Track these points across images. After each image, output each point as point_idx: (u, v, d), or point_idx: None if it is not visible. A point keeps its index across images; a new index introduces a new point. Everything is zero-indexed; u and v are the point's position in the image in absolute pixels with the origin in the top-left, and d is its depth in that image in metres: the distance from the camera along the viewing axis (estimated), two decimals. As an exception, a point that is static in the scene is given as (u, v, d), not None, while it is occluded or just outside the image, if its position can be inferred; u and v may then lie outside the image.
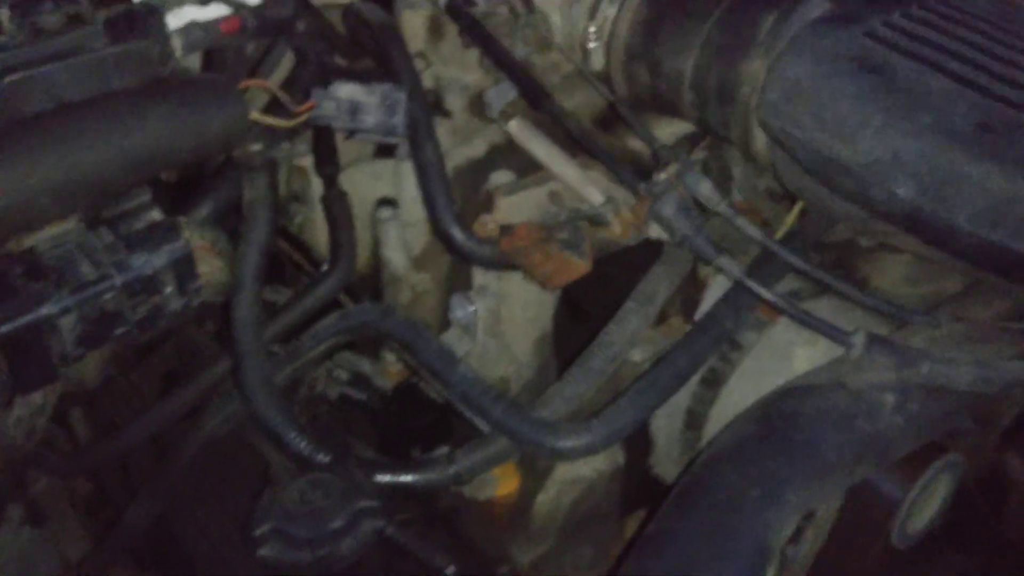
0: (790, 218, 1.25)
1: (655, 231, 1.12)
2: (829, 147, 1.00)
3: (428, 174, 1.19)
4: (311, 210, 1.46)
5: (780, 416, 1.02)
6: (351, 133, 1.14)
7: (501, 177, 1.34)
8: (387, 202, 1.41)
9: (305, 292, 1.31)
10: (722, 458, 1.00)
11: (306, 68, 1.26)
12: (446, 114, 1.46)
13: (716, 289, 1.27)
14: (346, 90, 1.09)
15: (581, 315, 1.57)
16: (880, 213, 1.00)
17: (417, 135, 1.19)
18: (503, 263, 1.19)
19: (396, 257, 1.37)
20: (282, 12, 1.17)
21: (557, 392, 1.11)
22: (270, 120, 1.06)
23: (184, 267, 1.11)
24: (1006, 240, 0.91)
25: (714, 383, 1.27)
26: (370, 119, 1.10)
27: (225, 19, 1.08)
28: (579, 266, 1.14)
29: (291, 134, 1.11)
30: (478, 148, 1.42)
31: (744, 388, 1.25)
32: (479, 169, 1.41)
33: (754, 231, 1.10)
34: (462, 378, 1.10)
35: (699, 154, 1.23)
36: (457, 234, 1.18)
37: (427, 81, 1.49)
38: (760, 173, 1.28)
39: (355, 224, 1.38)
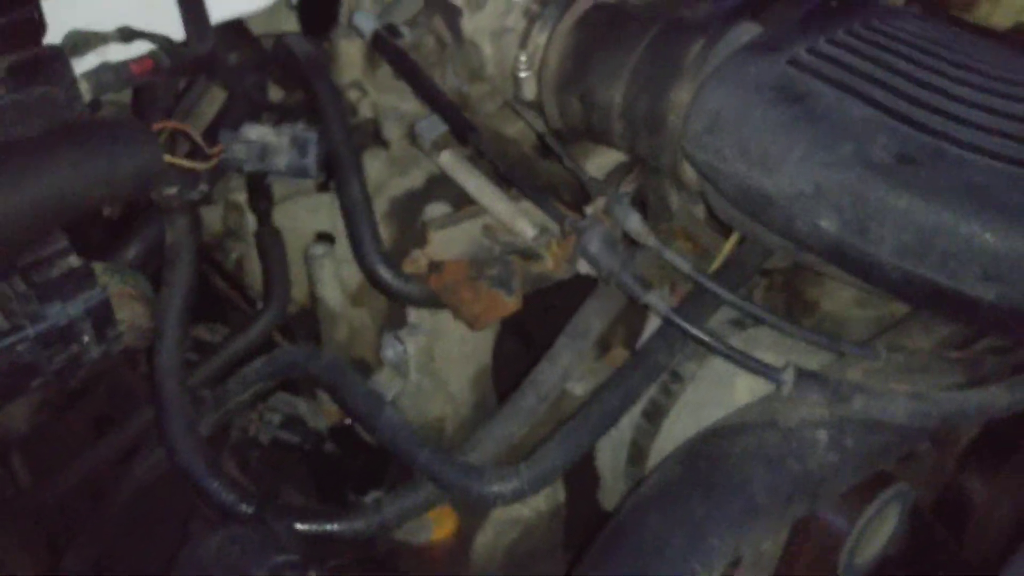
0: (727, 247, 1.22)
1: (584, 267, 1.09)
2: (752, 179, 0.98)
3: (353, 211, 1.16)
4: (247, 246, 1.43)
5: (707, 458, 1.00)
6: (264, 175, 1.11)
7: (436, 209, 1.31)
8: (324, 236, 1.39)
9: (236, 333, 1.28)
10: (647, 502, 0.97)
11: (235, 106, 1.23)
12: (384, 144, 1.43)
13: (655, 320, 1.24)
14: (256, 132, 1.06)
15: (532, 345, 1.55)
16: (806, 246, 0.98)
17: (342, 172, 1.16)
18: (432, 302, 1.16)
19: (331, 294, 1.34)
20: (202, 49, 1.14)
21: (487, 434, 1.08)
22: (183, 163, 1.03)
23: (102, 315, 1.08)
24: (931, 274, 0.88)
25: (656, 416, 1.24)
26: (281, 161, 1.07)
27: (137, 60, 1.05)
28: (508, 304, 1.11)
29: (211, 176, 1.08)
30: (416, 179, 1.40)
31: (686, 420, 1.22)
32: (417, 200, 1.39)
33: (684, 265, 1.07)
34: (387, 423, 1.07)
35: (629, 186, 1.20)
36: (383, 272, 1.15)
37: (365, 110, 1.47)
38: (698, 200, 1.25)
39: (289, 261, 1.35)
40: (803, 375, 1.00)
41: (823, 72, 0.98)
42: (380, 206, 1.37)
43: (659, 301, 1.03)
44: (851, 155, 0.91)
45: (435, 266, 1.16)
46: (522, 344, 1.45)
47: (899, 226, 0.88)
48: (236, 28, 1.43)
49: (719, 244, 1.27)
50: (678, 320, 1.02)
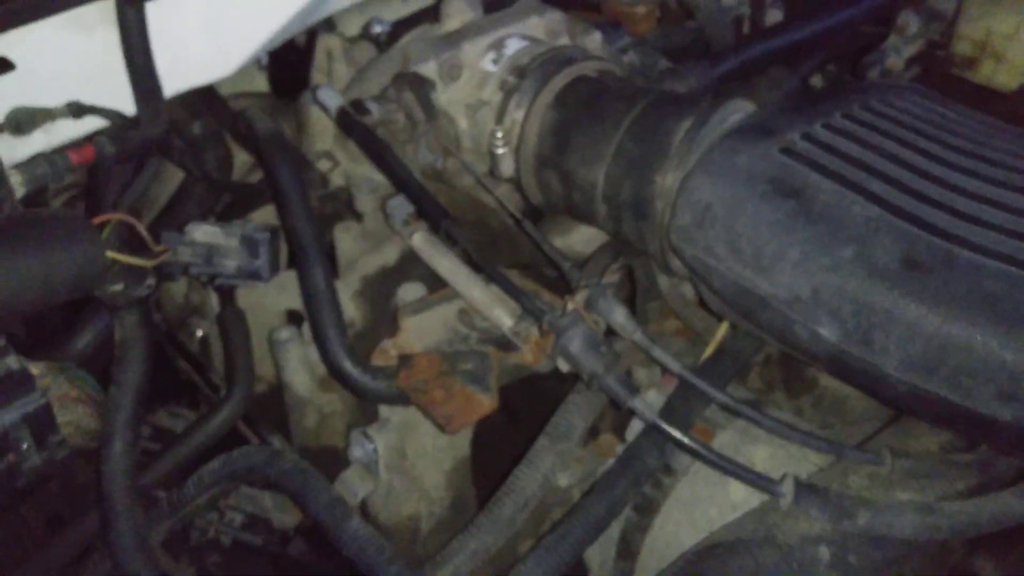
0: (718, 334, 1.15)
1: (564, 365, 1.01)
2: (745, 279, 0.90)
3: (315, 302, 1.08)
4: (212, 324, 1.35)
5: (700, 583, 0.91)
6: (211, 279, 1.03)
7: (410, 291, 1.23)
8: (293, 315, 1.31)
9: (195, 426, 1.20)
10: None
11: (190, 192, 1.15)
12: (357, 216, 1.36)
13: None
14: (202, 232, 0.98)
15: (519, 421, 1.46)
16: (803, 352, 0.90)
17: (303, 259, 1.08)
18: (403, 399, 1.07)
19: (298, 380, 1.25)
20: (154, 131, 1.06)
21: (461, 546, 1.00)
22: (127, 259, 0.95)
23: (42, 420, 0.99)
24: (941, 390, 0.80)
25: (647, 511, 1.16)
26: (230, 263, 1.00)
27: (77, 148, 0.97)
28: (483, 404, 1.03)
29: (158, 271, 1.00)
30: (389, 255, 1.32)
31: (678, 517, 1.14)
32: (390, 278, 1.31)
33: (672, 364, 0.99)
34: (352, 535, 0.99)
35: (614, 275, 1.12)
36: (349, 369, 1.07)
37: (337, 179, 1.39)
38: (687, 282, 1.18)
39: (255, 341, 1.27)
40: (803, 488, 0.92)
41: (820, 162, 0.91)
42: (351, 284, 1.30)
43: (646, 407, 0.95)
44: (852, 259, 0.83)
45: (405, 360, 1.08)
46: (507, 420, 1.37)
47: (906, 338, 0.81)
48: (203, 93, 1.35)
49: (711, 326, 1.19)
50: (665, 428, 0.94)
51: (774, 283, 0.87)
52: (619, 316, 1.01)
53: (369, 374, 1.07)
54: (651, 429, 1.03)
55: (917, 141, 0.93)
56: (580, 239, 1.34)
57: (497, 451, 1.30)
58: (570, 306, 1.01)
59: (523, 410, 1.38)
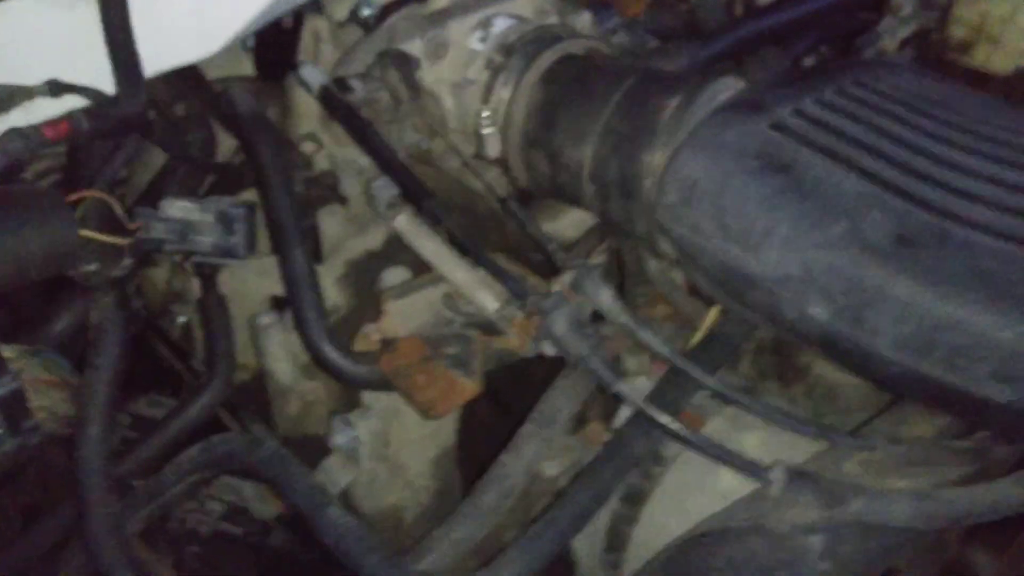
0: (708, 319, 1.12)
1: (550, 349, 0.98)
2: (733, 258, 0.87)
3: (296, 286, 1.05)
4: (194, 311, 1.32)
5: (687, 570, 0.89)
6: (186, 256, 1.01)
7: (395, 275, 1.21)
8: (277, 301, 1.28)
9: (173, 413, 1.17)
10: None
11: (172, 174, 1.13)
12: (341, 200, 1.33)
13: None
14: (177, 208, 0.95)
15: (507, 410, 1.44)
16: (793, 332, 0.87)
17: (283, 242, 1.06)
18: (386, 384, 1.05)
19: (281, 367, 1.23)
20: (132, 108, 1.04)
21: (444, 535, 0.97)
22: (99, 237, 0.92)
23: (14, 405, 0.97)
24: (935, 371, 0.78)
25: (635, 500, 1.13)
26: (206, 240, 0.97)
27: (51, 123, 0.94)
28: (466, 388, 1.01)
29: (135, 251, 0.97)
30: (375, 239, 1.29)
31: (667, 507, 1.12)
32: (375, 263, 1.28)
33: (660, 347, 0.97)
34: (332, 524, 0.96)
35: (600, 256, 1.09)
36: (331, 354, 1.04)
37: (322, 163, 1.36)
38: (676, 265, 1.15)
39: (237, 327, 1.24)
40: (794, 474, 0.89)
41: (811, 138, 0.88)
42: (335, 269, 1.27)
43: (631, 391, 0.93)
44: (843, 235, 0.81)
45: (387, 344, 1.05)
46: (494, 407, 1.34)
47: (899, 317, 0.78)
48: (186, 74, 1.32)
49: (701, 312, 1.17)
50: (653, 413, 0.92)
51: (763, 261, 0.85)
52: (606, 298, 0.99)
53: (351, 359, 1.05)
54: (638, 416, 1.01)
55: (910, 117, 0.91)
56: (569, 223, 1.32)
57: (483, 439, 1.27)
58: (555, 287, 0.98)
59: (510, 397, 1.35)
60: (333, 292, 1.26)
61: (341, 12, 1.40)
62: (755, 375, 1.33)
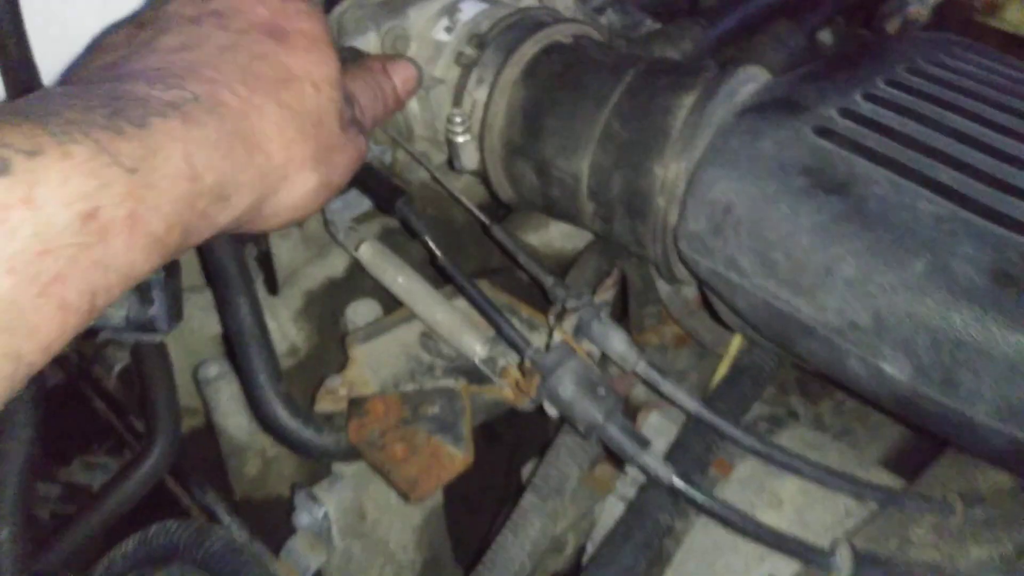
0: (732, 349, 0.96)
1: (553, 409, 0.81)
2: (781, 300, 0.70)
3: (242, 340, 0.87)
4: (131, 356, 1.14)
5: None
6: (94, 333, 0.82)
7: (361, 311, 1.03)
8: (226, 342, 1.10)
9: (107, 490, 0.99)
10: None
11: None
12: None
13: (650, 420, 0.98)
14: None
15: (497, 439, 1.28)
16: (859, 389, 0.71)
17: (222, 288, 0.87)
18: (355, 456, 0.87)
19: (234, 423, 1.05)
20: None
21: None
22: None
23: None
24: (1049, 443, 0.61)
25: (656, 561, 0.97)
26: (117, 313, 0.78)
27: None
28: (454, 460, 0.83)
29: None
30: (336, 265, 1.12)
31: (694, 569, 0.96)
32: (339, 292, 1.11)
33: (687, 401, 0.80)
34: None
35: (607, 292, 0.92)
36: (287, 422, 0.86)
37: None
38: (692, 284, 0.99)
39: (175, 380, 1.06)
40: (862, 559, 0.73)
41: (867, 145, 0.71)
42: (293, 301, 1.10)
43: (659, 463, 0.76)
44: (925, 274, 0.64)
45: (356, 405, 0.88)
46: (485, 441, 1.17)
47: (1003, 377, 0.61)
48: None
49: (721, 338, 1.00)
50: (686, 489, 0.75)
51: (820, 306, 0.68)
52: (618, 344, 0.82)
53: (312, 427, 0.87)
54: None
55: (984, 111, 0.74)
56: (559, 234, 1.14)
57: (475, 485, 1.10)
58: (557, 335, 0.81)
59: (500, 425, 1.19)
60: (291, 329, 1.09)
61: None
62: (776, 391, 1.17)
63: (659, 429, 0.99)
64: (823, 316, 0.68)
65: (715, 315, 0.98)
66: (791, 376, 1.18)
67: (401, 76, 0.82)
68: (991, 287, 0.62)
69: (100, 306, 0.47)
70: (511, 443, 1.29)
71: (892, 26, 1.14)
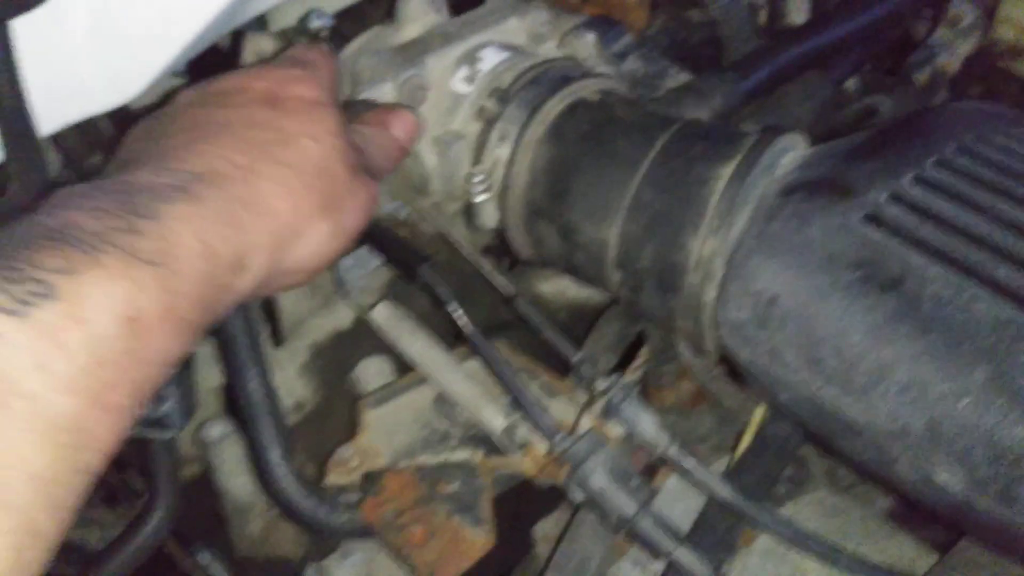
0: (756, 417, 0.92)
1: (580, 495, 0.78)
2: (829, 399, 0.67)
3: (252, 412, 0.83)
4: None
5: None
6: None
7: (372, 370, 0.99)
8: (228, 398, 1.06)
9: (106, 555, 0.95)
10: None
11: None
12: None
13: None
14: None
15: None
16: (909, 493, 0.68)
17: (235, 357, 0.84)
18: (370, 533, 0.84)
19: (238, 483, 1.01)
20: (25, 194, 0.80)
21: None
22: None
23: None
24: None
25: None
26: None
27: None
28: (476, 543, 0.80)
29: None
30: (343, 317, 1.07)
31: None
32: (347, 346, 1.06)
33: (719, 487, 0.77)
34: None
35: (637, 372, 0.88)
36: (297, 499, 0.83)
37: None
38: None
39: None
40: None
41: (920, 236, 0.68)
42: (298, 355, 1.05)
43: (695, 561, 0.73)
44: (985, 383, 0.61)
45: (371, 481, 0.84)
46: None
47: (1067, 496, 0.58)
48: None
49: (744, 404, 0.97)
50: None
51: (871, 408, 0.65)
52: (648, 426, 0.78)
53: (325, 504, 0.83)
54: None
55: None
56: (574, 282, 1.11)
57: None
58: (585, 421, 0.77)
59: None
60: (297, 384, 1.05)
61: (287, 21, 1.16)
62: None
63: (679, 494, 0.96)
64: (873, 419, 0.64)
65: (737, 379, 0.95)
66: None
67: (401, 126, 0.82)
68: (1057, 399, 0.59)
69: (145, 400, 0.49)
70: (518, 494, 1.26)
71: (922, 77, 1.11)
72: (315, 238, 0.62)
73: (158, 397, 0.70)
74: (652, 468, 0.98)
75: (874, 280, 0.65)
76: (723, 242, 0.76)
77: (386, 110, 0.84)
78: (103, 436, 0.45)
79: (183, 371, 0.73)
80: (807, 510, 0.94)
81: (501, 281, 0.86)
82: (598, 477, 0.74)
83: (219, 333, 0.87)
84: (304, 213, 0.61)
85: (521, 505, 1.18)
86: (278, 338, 1.07)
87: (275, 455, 0.82)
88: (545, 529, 1.06)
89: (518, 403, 0.79)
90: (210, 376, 1.07)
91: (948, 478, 0.62)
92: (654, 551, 0.74)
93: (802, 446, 0.95)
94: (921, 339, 0.63)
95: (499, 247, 1.08)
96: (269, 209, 0.58)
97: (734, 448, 0.95)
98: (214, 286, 0.53)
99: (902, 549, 0.90)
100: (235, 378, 0.84)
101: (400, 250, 0.93)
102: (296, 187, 0.61)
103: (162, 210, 0.51)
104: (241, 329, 0.84)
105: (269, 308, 1.07)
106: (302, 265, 0.63)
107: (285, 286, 0.65)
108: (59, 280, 0.44)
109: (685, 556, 0.72)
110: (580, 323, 1.06)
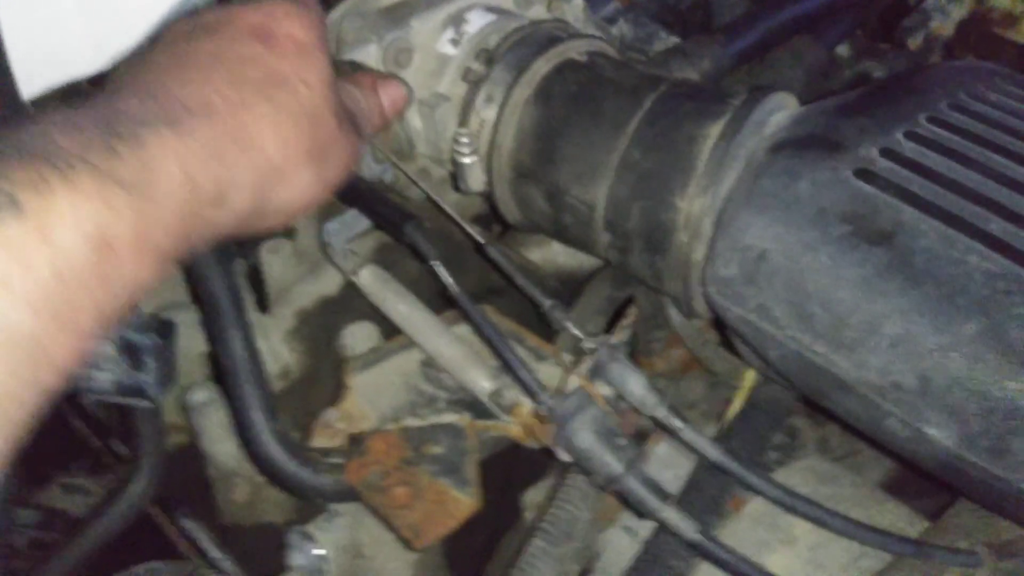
0: (747, 382, 0.92)
1: (567, 456, 0.77)
2: (818, 355, 0.66)
3: (235, 375, 0.82)
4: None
5: None
6: (83, 393, 0.76)
7: (358, 335, 0.98)
8: (213, 362, 1.05)
9: (90, 519, 0.94)
10: None
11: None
12: (288, 233, 1.09)
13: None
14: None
15: (495, 460, 1.23)
16: (898, 448, 0.67)
17: (214, 320, 0.82)
18: (355, 496, 0.83)
19: (223, 449, 1.00)
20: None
21: None
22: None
23: None
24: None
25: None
26: (105, 377, 0.72)
27: None
28: (461, 505, 0.79)
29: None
30: (329, 283, 1.06)
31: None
32: (333, 312, 1.05)
33: (709, 449, 0.76)
34: None
35: (625, 332, 0.87)
36: (281, 461, 0.82)
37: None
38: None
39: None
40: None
41: (912, 191, 0.67)
42: (284, 321, 1.04)
43: (686, 522, 0.72)
44: (977, 336, 0.60)
45: (356, 443, 0.83)
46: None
47: (1059, 450, 0.58)
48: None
49: (735, 369, 0.96)
50: (712, 548, 0.71)
51: (861, 364, 0.64)
52: (637, 387, 0.77)
53: (309, 466, 0.82)
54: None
55: (1033, 153, 0.70)
56: (562, 249, 1.10)
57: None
58: (572, 380, 0.76)
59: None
60: (283, 350, 1.04)
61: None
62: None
63: (668, 460, 0.95)
64: (864, 374, 0.64)
65: (728, 345, 0.95)
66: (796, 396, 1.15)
67: (390, 96, 0.82)
68: (1049, 353, 0.58)
69: (110, 324, 0.48)
70: (506, 462, 1.25)
71: (914, 42, 1.10)
72: (298, 183, 0.62)
73: (137, 366, 0.69)
74: (642, 435, 0.97)
75: (865, 234, 0.64)
76: (712, 200, 0.75)
77: (380, 76, 0.83)
78: (62, 356, 0.44)
79: (163, 341, 0.72)
80: (798, 476, 0.94)
81: (473, 232, 0.84)
82: (584, 436, 0.73)
83: (202, 298, 0.85)
84: (291, 156, 0.60)
85: (510, 473, 1.18)
86: (264, 304, 1.05)
87: (258, 417, 0.81)
88: (534, 497, 1.05)
89: (506, 367, 0.78)
90: (195, 343, 1.07)
91: (939, 433, 0.62)
92: (642, 510, 0.73)
93: (793, 411, 0.94)
94: (912, 292, 0.62)
95: (488, 215, 1.07)
96: (256, 147, 0.58)
97: (724, 412, 0.94)
98: (192, 218, 0.52)
99: (893, 517, 0.89)
100: (218, 342, 0.82)
101: (388, 209, 0.91)
102: (286, 128, 0.60)
103: (145, 136, 0.50)
104: (224, 293, 0.83)
105: (255, 275, 1.06)
106: (282, 207, 0.62)
107: (261, 227, 0.63)
108: (28, 195, 0.43)
109: (672, 516, 0.71)
110: (570, 291, 1.05)
